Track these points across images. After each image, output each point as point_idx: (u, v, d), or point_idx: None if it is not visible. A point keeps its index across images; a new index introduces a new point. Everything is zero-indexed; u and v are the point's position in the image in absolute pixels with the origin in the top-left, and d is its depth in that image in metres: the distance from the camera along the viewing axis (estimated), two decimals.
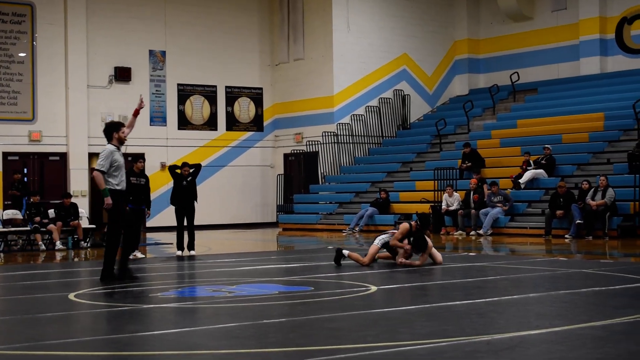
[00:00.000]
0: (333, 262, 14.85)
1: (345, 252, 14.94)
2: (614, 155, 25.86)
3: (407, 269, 13.91)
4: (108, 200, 12.85)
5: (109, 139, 13.21)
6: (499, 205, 24.45)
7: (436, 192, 27.47)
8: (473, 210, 24.87)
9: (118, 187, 12.97)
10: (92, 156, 31.56)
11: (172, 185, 19.24)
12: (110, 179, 12.94)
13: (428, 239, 14.41)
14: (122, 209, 13.07)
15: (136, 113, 14.06)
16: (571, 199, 22.78)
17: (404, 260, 14.34)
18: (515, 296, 10.52)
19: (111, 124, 13.57)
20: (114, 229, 13.06)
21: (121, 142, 13.21)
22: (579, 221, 22.09)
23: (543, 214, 23.71)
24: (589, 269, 13.77)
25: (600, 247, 19.39)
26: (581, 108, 29.60)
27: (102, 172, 12.90)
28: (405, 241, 14.44)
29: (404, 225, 14.50)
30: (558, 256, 17.09)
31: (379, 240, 14.83)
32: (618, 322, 8.21)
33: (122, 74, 31.46)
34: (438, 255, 14.73)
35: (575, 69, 32.96)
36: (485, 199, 24.77)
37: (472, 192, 25.36)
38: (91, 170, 31.22)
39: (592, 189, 22.46)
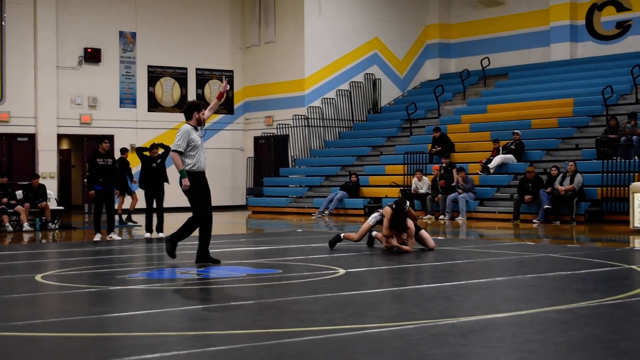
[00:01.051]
0: (327, 245, 14.77)
1: (342, 234, 14.94)
2: (582, 140, 26.01)
3: (377, 253, 13.94)
4: (185, 181, 12.37)
5: (188, 118, 12.66)
6: (466, 191, 24.52)
7: (406, 176, 27.55)
8: (439, 195, 24.96)
9: (194, 168, 12.43)
10: (61, 137, 31.43)
11: (141, 168, 19.17)
12: (187, 159, 12.41)
13: (411, 222, 14.19)
14: (201, 190, 12.50)
15: (220, 96, 13.03)
16: (540, 184, 22.91)
17: (394, 243, 14.19)
18: (482, 280, 10.57)
19: (193, 103, 13.00)
20: (198, 211, 12.49)
21: (199, 123, 12.64)
22: (547, 206, 22.23)
23: (511, 199, 23.84)
24: (556, 253, 13.87)
25: (567, 232, 19.53)
26: (551, 94, 29.75)
27: (179, 153, 12.37)
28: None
29: (387, 210, 14.35)
30: (526, 240, 17.19)
31: (372, 218, 14.76)
32: (583, 305, 8.28)
33: (92, 55, 31.27)
34: (430, 241, 14.52)
35: (546, 54, 33.10)
36: (453, 184, 24.83)
37: (438, 178, 25.44)
38: (60, 151, 31.09)
39: (561, 175, 22.60)
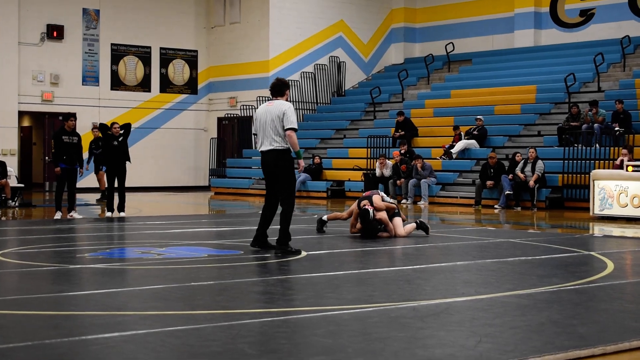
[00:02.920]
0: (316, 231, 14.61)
1: (324, 217, 14.83)
2: (544, 127, 26.18)
3: (340, 236, 13.95)
4: (302, 162, 11.75)
5: (281, 95, 11.57)
6: (428, 177, 24.59)
7: (369, 160, 27.59)
8: (401, 180, 25.02)
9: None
10: (22, 114, 31.14)
11: (102, 146, 19.03)
12: (283, 139, 11.39)
13: (384, 214, 14.01)
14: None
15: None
16: (501, 170, 23.04)
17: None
18: (443, 264, 10.62)
19: (283, 80, 11.74)
20: (292, 193, 11.57)
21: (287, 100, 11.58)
22: (508, 192, 22.36)
23: (473, 184, 23.95)
24: (516, 238, 13.95)
25: (528, 218, 19.66)
26: (514, 80, 29.89)
27: (295, 131, 11.38)
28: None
29: (354, 208, 14.09)
30: (487, 226, 17.29)
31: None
32: (542, 290, 8.34)
33: (55, 32, 30.97)
34: (400, 229, 14.32)
35: (510, 41, 33.23)
36: (413, 173, 24.85)
37: (399, 163, 25.49)
38: (21, 128, 30.80)
39: (522, 161, 22.73)
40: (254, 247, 11.65)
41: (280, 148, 11.32)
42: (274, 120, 11.29)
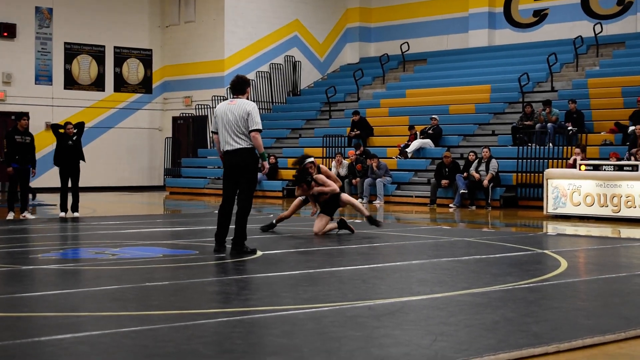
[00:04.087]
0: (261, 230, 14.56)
1: (274, 220, 14.77)
2: (498, 127, 26.36)
3: (295, 236, 13.94)
4: (266, 164, 11.52)
5: (243, 93, 11.34)
6: (383, 177, 24.65)
7: (325, 159, 27.59)
8: (357, 179, 25.06)
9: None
10: None
11: (56, 145, 18.84)
12: (247, 139, 11.13)
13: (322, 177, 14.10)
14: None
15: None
16: (456, 169, 23.16)
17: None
18: (398, 263, 10.65)
19: (244, 78, 11.55)
20: (252, 195, 11.44)
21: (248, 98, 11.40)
22: (463, 191, 22.48)
23: (429, 183, 24.05)
24: (471, 237, 14.03)
25: (482, 217, 19.78)
26: (468, 80, 30.05)
27: (259, 132, 11.13)
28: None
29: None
30: (442, 225, 17.36)
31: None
32: (496, 289, 8.39)
33: (7, 30, 30.66)
34: (353, 202, 14.64)
35: (464, 41, 33.41)
36: (368, 172, 24.88)
37: (354, 162, 25.53)
38: None
39: (476, 160, 22.86)
40: (221, 251, 11.26)
41: (247, 147, 11.10)
42: (237, 120, 11.05)
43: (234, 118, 11.06)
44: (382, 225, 14.87)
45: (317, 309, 7.23)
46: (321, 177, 14.07)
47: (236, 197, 11.37)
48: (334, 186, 14.05)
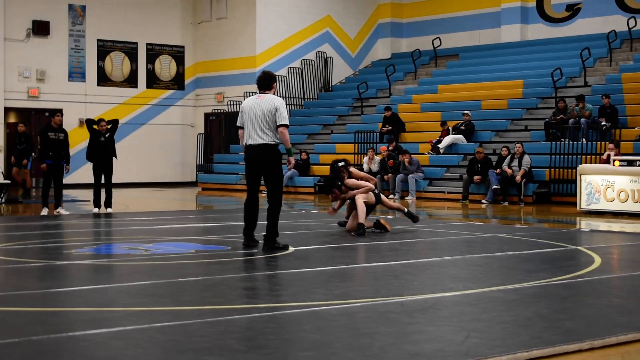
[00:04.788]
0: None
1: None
2: (531, 122, 26.22)
3: (327, 232, 13.92)
4: (292, 159, 11.62)
5: (269, 89, 11.42)
6: (415, 173, 24.59)
7: (356, 155, 27.57)
8: (389, 175, 25.02)
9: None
10: (8, 111, 31.00)
11: (89, 141, 18.95)
12: (274, 134, 11.23)
13: (353, 181, 14.02)
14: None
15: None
16: (489, 165, 23.06)
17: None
18: (430, 259, 10.62)
19: (270, 73, 11.61)
20: (282, 190, 11.54)
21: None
22: (496, 187, 22.38)
23: (461, 179, 23.97)
24: (503, 233, 13.96)
25: (515, 213, 19.68)
26: (501, 75, 29.90)
27: (287, 127, 11.19)
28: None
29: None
30: (474, 221, 17.30)
31: None
32: (529, 285, 8.35)
33: (40, 28, 30.85)
34: (391, 203, 14.66)
35: (496, 36, 33.26)
36: (400, 168, 24.82)
37: (386, 158, 25.49)
38: (7, 125, 30.67)
39: (509, 156, 22.75)
40: (251, 246, 11.31)
41: (271, 143, 11.13)
42: (265, 114, 11.09)
43: (262, 113, 11.10)
44: (419, 220, 14.68)
45: (349, 305, 7.23)
46: (352, 181, 13.92)
47: (265, 193, 11.36)
48: (369, 185, 13.93)
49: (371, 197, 13.81)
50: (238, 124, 11.42)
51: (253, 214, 11.41)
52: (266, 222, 11.24)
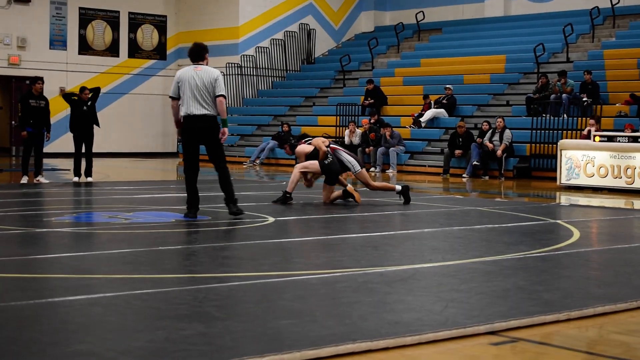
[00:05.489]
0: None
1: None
2: (513, 97, 26.28)
3: (308, 203, 13.94)
4: (227, 130, 11.53)
5: (203, 60, 11.48)
6: (397, 146, 24.61)
7: (338, 128, 27.57)
8: (370, 148, 25.04)
9: None
10: None
11: (70, 111, 18.86)
12: (213, 106, 11.28)
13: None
14: None
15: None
16: (470, 139, 23.11)
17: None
18: (410, 231, 10.66)
19: (202, 44, 11.78)
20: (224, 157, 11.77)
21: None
22: (476, 162, 22.43)
23: (442, 153, 24.02)
24: (484, 207, 14.02)
25: (496, 187, 19.76)
26: (484, 50, 29.92)
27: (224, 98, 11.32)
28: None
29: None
30: (454, 194, 17.35)
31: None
32: (508, 257, 8.39)
33: None
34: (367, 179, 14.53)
35: (480, 10, 33.25)
36: (382, 141, 24.83)
37: (367, 131, 25.49)
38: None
39: (490, 130, 22.81)
40: (192, 217, 11.26)
41: (212, 114, 11.24)
42: (207, 85, 11.16)
43: (202, 84, 11.18)
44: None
45: (330, 274, 7.25)
46: (299, 148, 13.95)
47: (213, 165, 11.58)
48: (317, 143, 13.80)
49: (314, 167, 13.77)
50: (172, 94, 11.43)
51: (195, 183, 11.45)
52: (226, 191, 11.31)
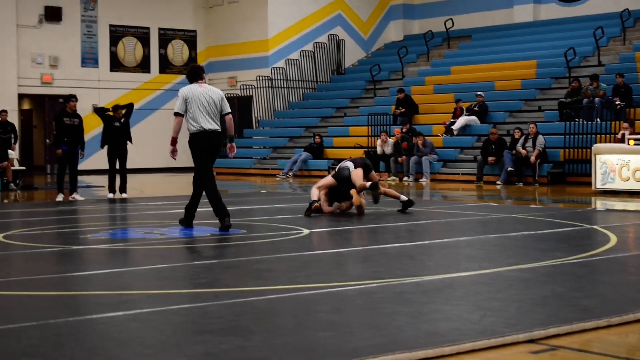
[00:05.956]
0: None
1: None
2: (545, 102, 26.13)
3: (342, 215, 13.92)
4: (235, 145, 12.04)
5: (202, 79, 11.98)
6: (429, 155, 24.55)
7: (370, 138, 27.56)
8: (403, 157, 24.99)
9: None
10: (22, 97, 31.09)
11: (103, 127, 18.98)
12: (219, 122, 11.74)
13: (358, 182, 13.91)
14: None
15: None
16: (503, 146, 23.01)
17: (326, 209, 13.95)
18: (446, 240, 10.62)
19: (198, 65, 12.77)
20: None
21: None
22: (510, 169, 22.32)
23: (475, 161, 23.92)
24: (518, 214, 13.95)
25: (530, 193, 19.65)
26: (514, 55, 29.79)
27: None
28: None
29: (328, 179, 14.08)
30: (489, 201, 17.28)
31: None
32: (545, 265, 8.34)
33: (53, 14, 30.88)
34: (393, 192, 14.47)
35: (509, 16, 33.11)
36: (414, 150, 24.77)
37: (400, 140, 25.44)
38: (21, 111, 30.76)
39: (523, 137, 22.69)
40: (191, 227, 11.77)
41: (220, 130, 11.65)
42: (216, 102, 11.63)
43: (212, 101, 11.66)
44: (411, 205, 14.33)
45: (366, 285, 7.24)
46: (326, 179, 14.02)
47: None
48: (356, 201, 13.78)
49: (326, 181, 13.98)
50: (179, 110, 11.76)
51: (200, 196, 11.94)
52: (216, 203, 11.55)
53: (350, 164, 13.86)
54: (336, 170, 13.98)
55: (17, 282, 7.68)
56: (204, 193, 11.82)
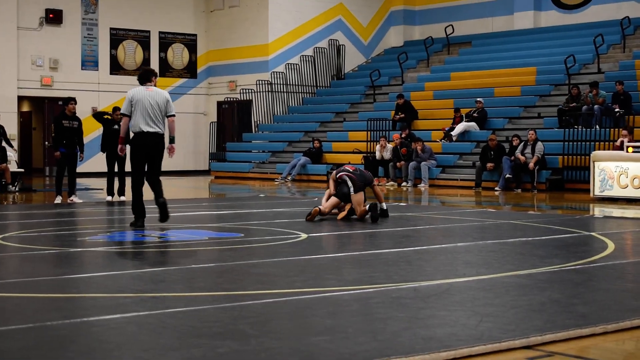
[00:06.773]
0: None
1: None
2: (544, 109, 26.14)
3: (340, 220, 13.91)
4: (174, 147, 12.65)
5: (151, 81, 12.44)
6: (428, 160, 24.55)
7: (369, 143, 27.57)
8: (401, 162, 24.98)
9: None
10: (22, 99, 31.08)
11: (102, 131, 18.98)
12: (163, 125, 12.45)
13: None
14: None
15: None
16: (502, 152, 23.02)
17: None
18: (443, 245, 10.62)
19: (150, 68, 13.67)
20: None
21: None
22: (508, 175, 22.32)
23: (474, 167, 23.93)
24: (517, 220, 13.95)
25: (528, 200, 19.65)
26: (514, 62, 29.83)
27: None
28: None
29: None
30: (487, 207, 17.28)
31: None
32: (543, 271, 8.34)
33: (53, 17, 30.89)
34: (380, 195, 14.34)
35: (509, 23, 33.14)
36: (413, 156, 24.77)
37: (399, 146, 25.44)
38: (20, 113, 30.76)
39: (522, 143, 22.71)
40: (142, 226, 12.31)
41: (161, 132, 12.29)
42: (160, 105, 12.23)
43: (155, 103, 12.23)
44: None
45: (362, 290, 7.24)
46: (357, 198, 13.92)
47: (146, 175, 12.54)
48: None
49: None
50: (125, 111, 12.33)
51: (142, 194, 12.50)
52: (160, 199, 12.33)
53: (350, 183, 13.67)
54: (335, 179, 13.82)
55: (14, 284, 7.68)
56: (153, 191, 12.50)
